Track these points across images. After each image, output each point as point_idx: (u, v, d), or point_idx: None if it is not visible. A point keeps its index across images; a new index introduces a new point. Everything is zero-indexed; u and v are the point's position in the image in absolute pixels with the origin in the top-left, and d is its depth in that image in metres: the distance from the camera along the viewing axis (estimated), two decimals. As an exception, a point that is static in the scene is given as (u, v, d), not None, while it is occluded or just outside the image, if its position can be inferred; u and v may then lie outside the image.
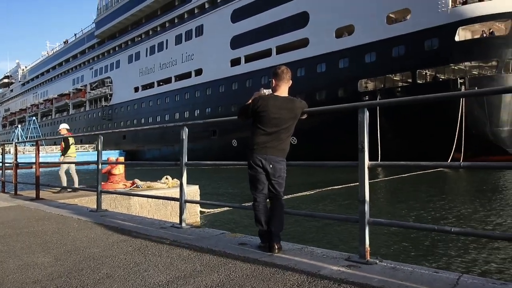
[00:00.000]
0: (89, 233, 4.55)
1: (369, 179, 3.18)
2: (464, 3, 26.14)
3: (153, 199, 8.41)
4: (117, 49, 61.43)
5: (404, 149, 24.26)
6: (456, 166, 2.88)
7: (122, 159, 12.36)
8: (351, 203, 11.24)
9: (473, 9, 25.45)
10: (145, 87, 54.36)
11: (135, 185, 9.38)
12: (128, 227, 4.86)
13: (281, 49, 35.86)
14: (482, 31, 26.08)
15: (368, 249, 3.08)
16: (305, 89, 32.68)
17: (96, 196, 6.31)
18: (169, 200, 6.76)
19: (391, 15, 29.06)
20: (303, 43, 34.01)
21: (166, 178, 9.80)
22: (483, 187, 16.25)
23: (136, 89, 55.81)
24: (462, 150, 24.63)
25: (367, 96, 28.82)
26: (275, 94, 3.52)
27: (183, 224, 4.67)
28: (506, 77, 25.01)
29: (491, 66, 25.98)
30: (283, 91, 3.53)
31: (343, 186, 14.37)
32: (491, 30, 25.96)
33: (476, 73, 26.41)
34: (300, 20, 34.27)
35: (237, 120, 3.84)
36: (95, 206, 6.35)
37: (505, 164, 2.84)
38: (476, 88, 23.96)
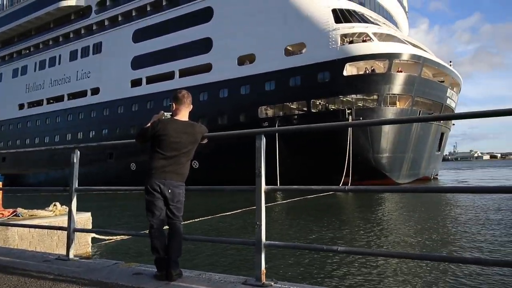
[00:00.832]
0: (-48, 272, 3.90)
1: (267, 202, 3.30)
2: (351, 42, 29.24)
3: (37, 230, 7.55)
4: (-1, 61, 55.23)
5: (302, 173, 25.79)
6: (342, 190, 3.17)
7: (-1, 184, 10.93)
8: (249, 227, 11.46)
9: (358, 48, 28.59)
10: (32, 104, 49.43)
11: (14, 214, 8.35)
12: (4, 262, 4.28)
13: (184, 73, 35.82)
14: (366, 68, 29.41)
15: (264, 271, 3.16)
16: (208, 113, 33.01)
17: (-37, 228, 5.46)
18: (54, 229, 6.15)
19: (288, 47, 31.15)
20: (207, 68, 34.48)
21: (54, 205, 8.91)
22: (369, 208, 17.89)
23: (21, 106, 50.46)
24: (350, 175, 26.97)
25: (266, 122, 30.15)
26: (175, 118, 3.51)
27: (71, 256, 4.28)
28: (384, 110, 28.34)
29: (372, 99, 29.24)
30: (183, 115, 3.54)
31: (243, 210, 14.61)
32: (372, 68, 29.38)
33: (361, 105, 29.46)
34: (204, 45, 34.80)
35: (135, 143, 3.73)
36: (-39, 240, 5.49)
37: (382, 188, 3.19)
38: (361, 118, 26.75)
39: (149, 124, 3.49)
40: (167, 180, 3.37)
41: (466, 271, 6.99)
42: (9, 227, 7.26)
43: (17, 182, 45.21)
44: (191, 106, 3.61)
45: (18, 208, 8.63)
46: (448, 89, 33.96)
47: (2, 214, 8.35)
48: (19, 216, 8.29)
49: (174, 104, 3.55)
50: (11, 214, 8.39)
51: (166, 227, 3.52)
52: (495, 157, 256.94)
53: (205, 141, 3.66)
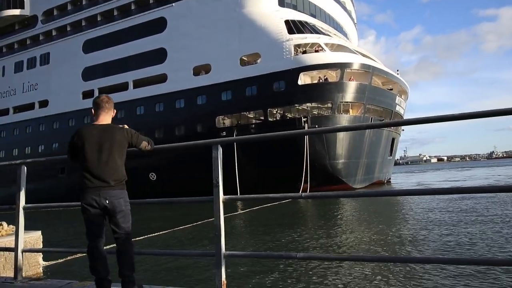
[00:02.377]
0: None
1: (227, 212, 3.30)
2: (304, 52, 30.01)
3: (-20, 252, 7.05)
4: None
5: (261, 182, 25.96)
6: (298, 197, 3.23)
7: None
8: (209, 238, 11.34)
9: (311, 58, 29.38)
10: (-27, 118, 46.37)
11: (-46, 237, 7.75)
12: None
13: (138, 83, 35.11)
14: (319, 77, 30.25)
15: (225, 282, 3.15)
16: (164, 124, 32.52)
17: None
18: (0, 250, 5.78)
19: (244, 58, 31.44)
20: (162, 78, 34.01)
21: (0, 225, 8.37)
22: (327, 213, 18.28)
23: (-38, 121, 47.20)
24: (308, 181, 27.47)
25: (224, 132, 30.14)
26: (93, 123, 3.37)
27: (19, 278, 4.04)
28: (339, 117, 29.23)
29: (327, 107, 30.08)
30: (102, 120, 3.38)
31: (203, 221, 14.44)
32: (325, 77, 30.27)
33: (316, 113, 30.21)
34: (158, 56, 34.35)
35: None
36: None
37: (338, 194, 3.29)
38: (316, 126, 27.42)
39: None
40: (102, 191, 3.15)
41: (419, 270, 7.32)
42: (-51, 251, 6.73)
43: (-43, 203, 42.04)
44: (113, 111, 3.45)
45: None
46: (397, 96, 35.66)
47: None
48: (-40, 239, 7.71)
49: (93, 110, 3.42)
50: (-50, 237, 7.78)
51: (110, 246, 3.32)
52: (442, 159, 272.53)
53: (148, 147, 3.46)
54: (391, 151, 39.45)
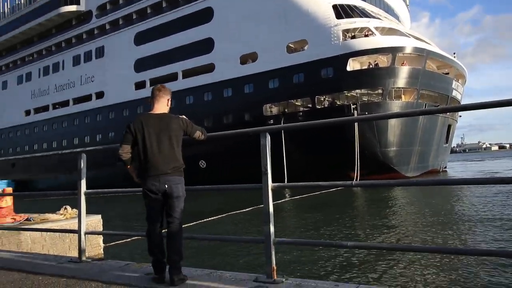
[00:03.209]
0: (-32, 277, 3.97)
1: (275, 199, 3.32)
2: (353, 37, 29.13)
3: (49, 233, 7.64)
4: (3, 69, 55.67)
5: (309, 170, 25.80)
6: (348, 185, 3.18)
7: (10, 190, 11.07)
8: (258, 225, 11.49)
9: (360, 43, 28.47)
10: (38, 110, 49.84)
11: (26, 218, 8.45)
12: (17, 265, 4.35)
13: (187, 73, 35.91)
14: (369, 62, 29.27)
15: (275, 268, 3.19)
16: (212, 112, 33.08)
17: (-24, 234, 5.55)
18: (66, 232, 6.23)
19: (290, 45, 31.09)
20: (209, 68, 34.54)
21: (65, 209, 9.00)
22: (377, 202, 17.85)
23: (28, 113, 50.89)
24: (358, 169, 26.90)
25: (272, 120, 30.16)
26: (149, 113, 3.47)
27: (83, 258, 4.33)
28: (390, 104, 28.21)
29: (377, 93, 29.12)
30: (157, 109, 3.48)
31: (252, 208, 14.64)
32: (376, 62, 29.24)
33: (366, 99, 29.34)
34: (206, 46, 34.85)
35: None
36: (-25, 246, 5.58)
37: (389, 182, 3.20)
38: (366, 113, 26.65)
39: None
40: (161, 177, 3.29)
41: (476, 263, 6.97)
42: (22, 231, 7.36)
43: (27, 187, 45.73)
44: (168, 99, 3.53)
45: (32, 214, 8.73)
46: (453, 81, 33.72)
47: (14, 219, 8.47)
48: (30, 221, 8.40)
49: (149, 100, 3.53)
50: (23, 218, 8.50)
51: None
52: (504, 147, 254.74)
53: (202, 137, 3.57)
54: (447, 138, 37.52)
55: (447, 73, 33.58)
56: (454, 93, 34.00)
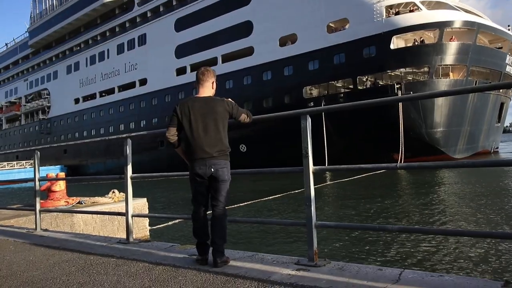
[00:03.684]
0: (27, 255, 4.26)
1: (316, 183, 3.27)
2: (397, 13, 27.85)
3: (99, 215, 8.05)
4: (54, 59, 58.48)
5: (351, 153, 25.33)
6: (393, 168, 3.06)
7: (62, 174, 11.71)
8: (299, 208, 11.48)
9: (405, 19, 27.19)
10: (86, 98, 52.15)
11: (78, 202, 8.93)
12: (71, 246, 4.62)
13: (226, 58, 36.03)
14: (414, 39, 27.94)
15: (317, 251, 3.16)
16: (252, 96, 33.10)
17: (34, 216, 5.93)
18: (114, 215, 6.52)
19: (331, 24, 30.27)
20: (248, 51, 34.43)
21: (113, 192, 9.41)
22: (423, 185, 17.26)
23: (77, 101, 53.40)
24: (402, 151, 26.06)
25: (312, 102, 29.71)
26: (195, 96, 3.46)
27: (131, 239, 4.52)
28: (437, 82, 26.91)
29: (423, 72, 27.83)
30: (202, 92, 3.46)
31: (294, 192, 14.63)
32: (422, 39, 27.87)
33: (411, 78, 28.15)
34: (244, 29, 34.69)
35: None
36: (33, 226, 5.97)
37: (435, 164, 3.05)
38: (411, 92, 25.58)
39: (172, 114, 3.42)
40: (208, 160, 3.30)
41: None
42: (74, 213, 7.79)
43: (78, 172, 48.35)
44: (212, 82, 3.50)
45: (82, 198, 9.21)
46: (508, 55, 31.52)
47: (67, 202, 8.97)
48: (82, 204, 8.87)
49: (195, 84, 3.54)
50: (75, 201, 8.98)
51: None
52: None
53: (247, 120, 3.54)
54: (499, 117, 35.33)
55: (501, 48, 31.40)
56: (508, 68, 31.80)
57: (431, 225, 9.27)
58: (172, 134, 3.42)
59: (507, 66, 31.56)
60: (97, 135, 48.63)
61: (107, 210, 7.31)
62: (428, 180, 18.45)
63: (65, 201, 8.95)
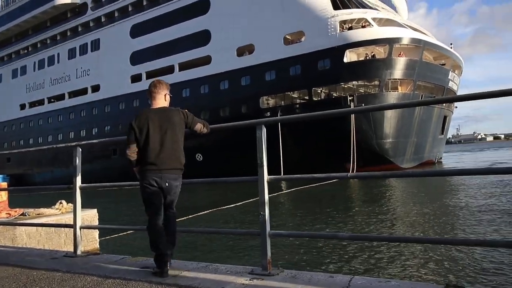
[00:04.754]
0: (-38, 272, 3.95)
1: (272, 192, 3.30)
2: (350, 28, 29.01)
3: (44, 228, 7.61)
4: (-2, 62, 55.25)
5: (306, 162, 25.82)
6: (343, 177, 3.16)
7: (4, 184, 11.01)
8: (253, 218, 11.49)
9: (357, 34, 28.37)
10: (33, 104, 49.56)
11: (21, 213, 8.41)
12: (12, 261, 4.33)
13: (183, 66, 35.74)
14: (366, 54, 29.20)
15: (270, 260, 3.18)
16: (209, 105, 32.99)
17: (-29, 229, 5.52)
18: (61, 227, 6.20)
19: (287, 36, 30.95)
20: (206, 60, 34.36)
21: (61, 203, 8.94)
22: (373, 194, 17.91)
23: (23, 107, 50.61)
24: (354, 161, 26.95)
25: (268, 112, 30.11)
26: (151, 108, 3.43)
27: (78, 252, 4.32)
28: (386, 95, 28.22)
29: (374, 85, 29.08)
30: (157, 103, 3.44)
31: (248, 201, 14.65)
32: (373, 53, 29.17)
33: (362, 91, 29.31)
34: (202, 38, 34.63)
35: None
36: (-30, 240, 5.55)
37: (385, 174, 3.19)
38: (363, 104, 26.63)
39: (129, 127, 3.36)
40: (164, 173, 3.29)
41: (470, 253, 7.02)
42: (17, 226, 7.33)
43: (22, 182, 45.53)
44: (165, 93, 3.47)
45: (29, 209, 8.68)
46: (450, 72, 33.74)
47: (9, 214, 8.42)
48: (26, 216, 8.36)
49: (148, 96, 3.53)
50: (18, 213, 8.45)
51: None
52: (499, 138, 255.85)
53: (204, 130, 3.52)
54: (443, 129, 37.62)
55: (444, 64, 33.58)
56: (450, 84, 34.04)
57: (379, 233, 9.63)
58: (132, 151, 3.33)
59: (450, 81, 33.75)
60: (44, 143, 46.22)
61: (53, 222, 6.94)
62: (378, 189, 19.17)
63: (6, 213, 8.40)
